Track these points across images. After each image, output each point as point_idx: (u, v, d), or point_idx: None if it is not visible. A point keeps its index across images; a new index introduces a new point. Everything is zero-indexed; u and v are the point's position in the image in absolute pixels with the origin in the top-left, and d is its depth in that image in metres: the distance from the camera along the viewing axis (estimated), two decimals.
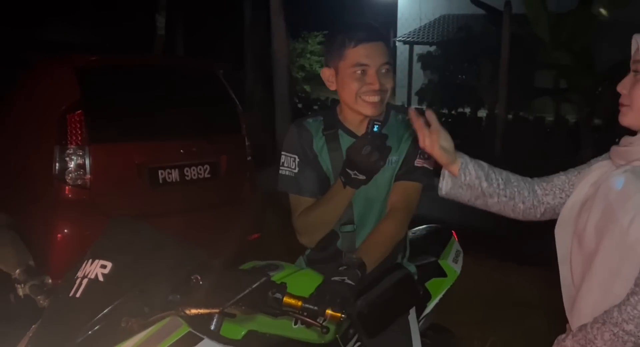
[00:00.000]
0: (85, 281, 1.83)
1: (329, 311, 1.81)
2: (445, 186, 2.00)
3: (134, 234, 1.96)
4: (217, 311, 1.73)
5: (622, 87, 1.80)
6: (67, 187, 4.42)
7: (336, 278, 1.97)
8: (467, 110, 15.47)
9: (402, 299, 2.55)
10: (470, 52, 14.49)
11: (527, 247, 6.73)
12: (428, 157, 2.34)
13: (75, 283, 1.83)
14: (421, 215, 2.73)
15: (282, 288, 1.86)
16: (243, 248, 5.36)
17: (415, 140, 2.39)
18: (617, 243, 1.75)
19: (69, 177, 4.40)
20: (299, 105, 16.50)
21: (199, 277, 1.91)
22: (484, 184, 1.99)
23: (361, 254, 2.15)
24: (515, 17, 10.86)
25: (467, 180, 1.98)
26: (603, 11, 9.47)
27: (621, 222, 1.74)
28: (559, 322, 4.82)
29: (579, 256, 1.89)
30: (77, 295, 1.81)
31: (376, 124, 2.15)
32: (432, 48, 18.13)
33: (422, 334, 2.94)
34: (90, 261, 1.87)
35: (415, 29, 21.94)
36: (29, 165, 4.61)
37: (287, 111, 8.59)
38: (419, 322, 2.79)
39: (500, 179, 2.02)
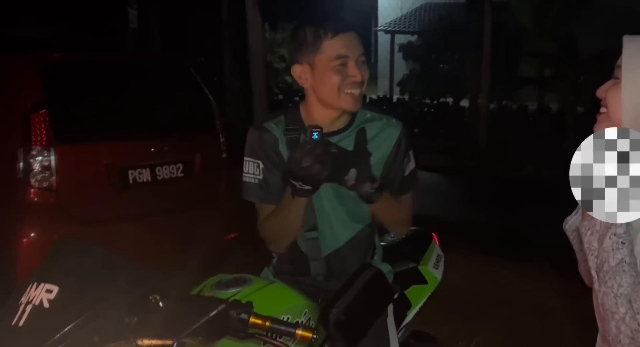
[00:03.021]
0: (29, 307, 1.66)
1: (299, 332, 1.67)
2: (574, 220, 1.82)
3: (83, 254, 1.79)
4: (169, 342, 1.57)
5: (600, 92, 1.67)
6: (32, 190, 4.24)
7: None
8: (450, 100, 15.38)
9: (377, 299, 2.42)
10: (452, 41, 14.38)
11: (515, 242, 6.67)
12: (410, 160, 2.31)
13: (18, 310, 1.67)
14: None
15: (248, 308, 1.72)
16: (220, 248, 5.23)
17: (395, 153, 2.27)
18: None
19: (33, 180, 4.22)
20: (280, 97, 16.31)
21: (158, 298, 1.76)
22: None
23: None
24: (497, 5, 10.75)
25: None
26: None
27: None
28: (548, 319, 4.72)
29: None
30: (20, 323, 1.64)
31: (315, 132, 1.98)
32: (413, 38, 18.01)
33: (404, 344, 2.81)
34: (34, 284, 1.70)
35: (396, 19, 21.80)
36: None
37: (265, 104, 8.43)
38: (399, 332, 2.66)
39: None
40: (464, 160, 10.69)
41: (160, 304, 1.73)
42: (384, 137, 2.27)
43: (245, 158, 2.32)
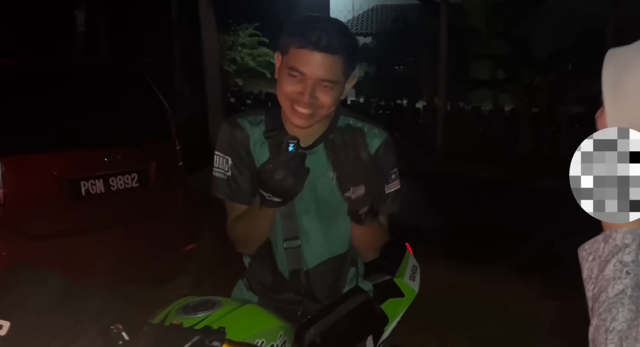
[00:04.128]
0: None
1: None
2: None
3: (36, 284, 1.61)
4: None
5: (597, 116, 1.47)
6: None
7: None
8: (405, 102, 15.41)
9: (359, 327, 2.31)
10: (406, 43, 14.38)
11: (475, 245, 6.62)
12: (395, 178, 2.17)
13: None
14: None
15: (220, 335, 1.60)
16: (178, 260, 5.08)
17: (376, 161, 2.09)
18: None
19: None
20: (232, 100, 16.12)
21: (120, 327, 1.61)
22: None
23: None
24: (450, 7, 10.78)
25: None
26: None
27: None
28: (514, 325, 4.66)
29: None
30: None
31: (291, 143, 1.85)
32: (368, 40, 18.02)
33: None
34: None
35: (349, 20, 21.82)
36: None
37: (221, 108, 8.24)
38: None
39: None
40: (421, 162, 10.69)
41: (124, 334, 1.59)
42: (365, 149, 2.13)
43: (216, 152, 2.18)
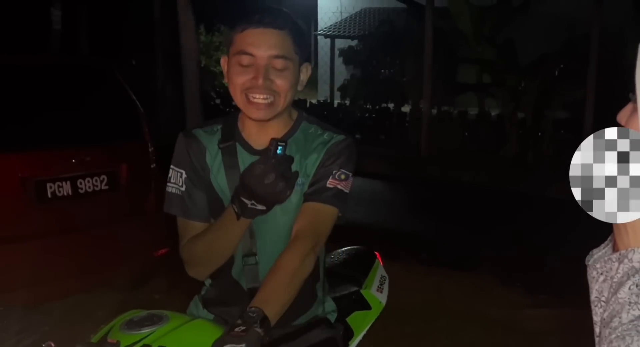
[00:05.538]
0: None
1: None
2: (603, 254, 1.43)
3: None
4: None
5: (621, 117, 1.29)
6: None
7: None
8: (391, 105, 15.32)
9: None
10: (392, 47, 14.32)
11: (461, 250, 6.51)
12: (345, 178, 1.96)
13: None
14: (345, 221, 2.30)
15: None
16: (150, 265, 4.94)
17: (328, 158, 1.98)
18: None
19: None
20: (217, 101, 15.94)
21: (53, 345, 1.52)
22: None
23: (260, 304, 1.73)
24: (436, 11, 10.77)
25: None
26: None
27: None
28: (494, 333, 4.56)
29: None
30: None
31: (280, 145, 1.74)
32: (354, 42, 17.96)
33: None
34: None
35: (336, 23, 21.80)
36: None
37: (198, 109, 8.12)
38: None
39: None
40: (405, 166, 10.60)
41: None
42: (318, 151, 2.00)
43: (171, 166, 2.06)
